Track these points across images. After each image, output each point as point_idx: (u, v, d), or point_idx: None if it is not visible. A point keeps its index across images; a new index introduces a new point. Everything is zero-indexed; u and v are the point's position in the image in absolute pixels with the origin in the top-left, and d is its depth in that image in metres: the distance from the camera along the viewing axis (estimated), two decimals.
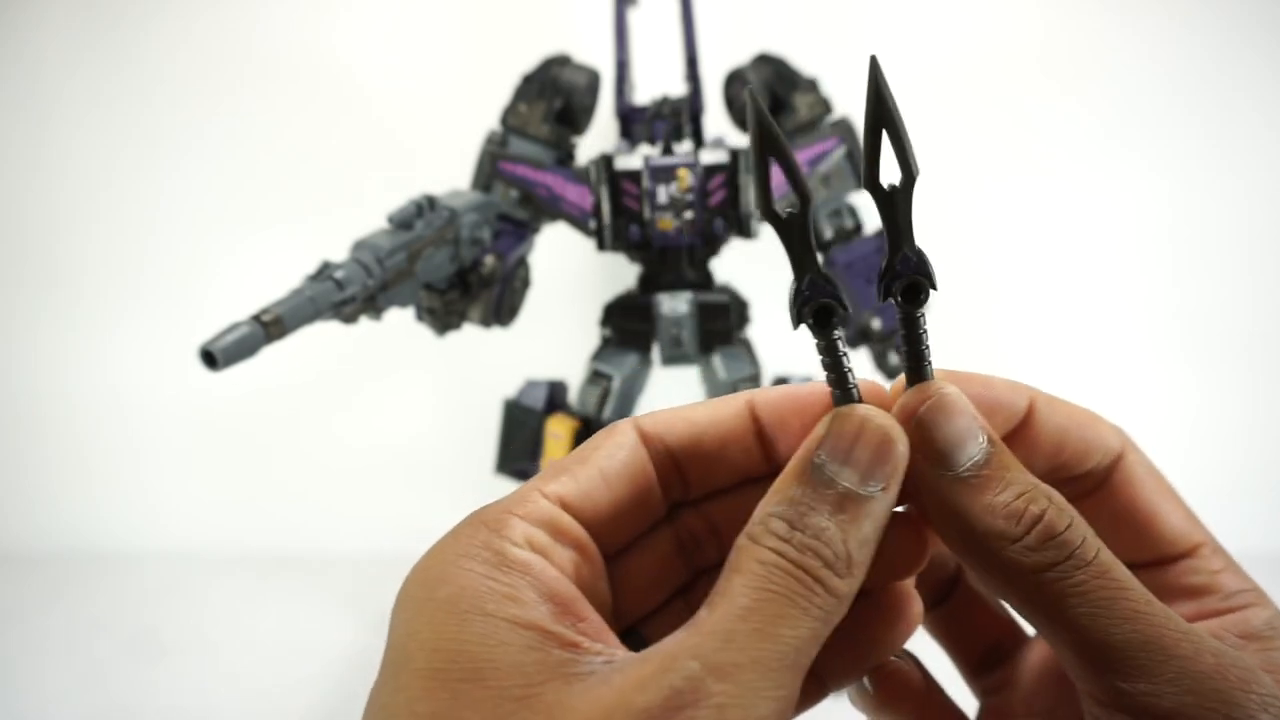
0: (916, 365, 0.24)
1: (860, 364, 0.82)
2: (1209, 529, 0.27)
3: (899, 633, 0.25)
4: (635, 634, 0.25)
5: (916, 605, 0.25)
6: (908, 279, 0.23)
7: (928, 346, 0.24)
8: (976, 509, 0.22)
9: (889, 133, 0.24)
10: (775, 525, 0.21)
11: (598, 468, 0.24)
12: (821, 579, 0.20)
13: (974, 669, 0.28)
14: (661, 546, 0.26)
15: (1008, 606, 0.24)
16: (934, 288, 0.23)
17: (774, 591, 0.20)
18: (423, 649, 0.19)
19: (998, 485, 0.22)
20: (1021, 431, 0.25)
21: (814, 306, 0.23)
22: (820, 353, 0.24)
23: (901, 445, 0.22)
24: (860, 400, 0.24)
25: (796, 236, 0.23)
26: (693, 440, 0.25)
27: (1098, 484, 0.26)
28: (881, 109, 0.24)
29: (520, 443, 0.83)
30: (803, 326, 0.23)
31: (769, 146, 0.23)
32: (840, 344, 0.23)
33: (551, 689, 0.18)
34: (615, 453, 0.24)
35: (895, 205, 0.24)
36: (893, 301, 0.24)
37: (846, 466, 0.22)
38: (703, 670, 0.19)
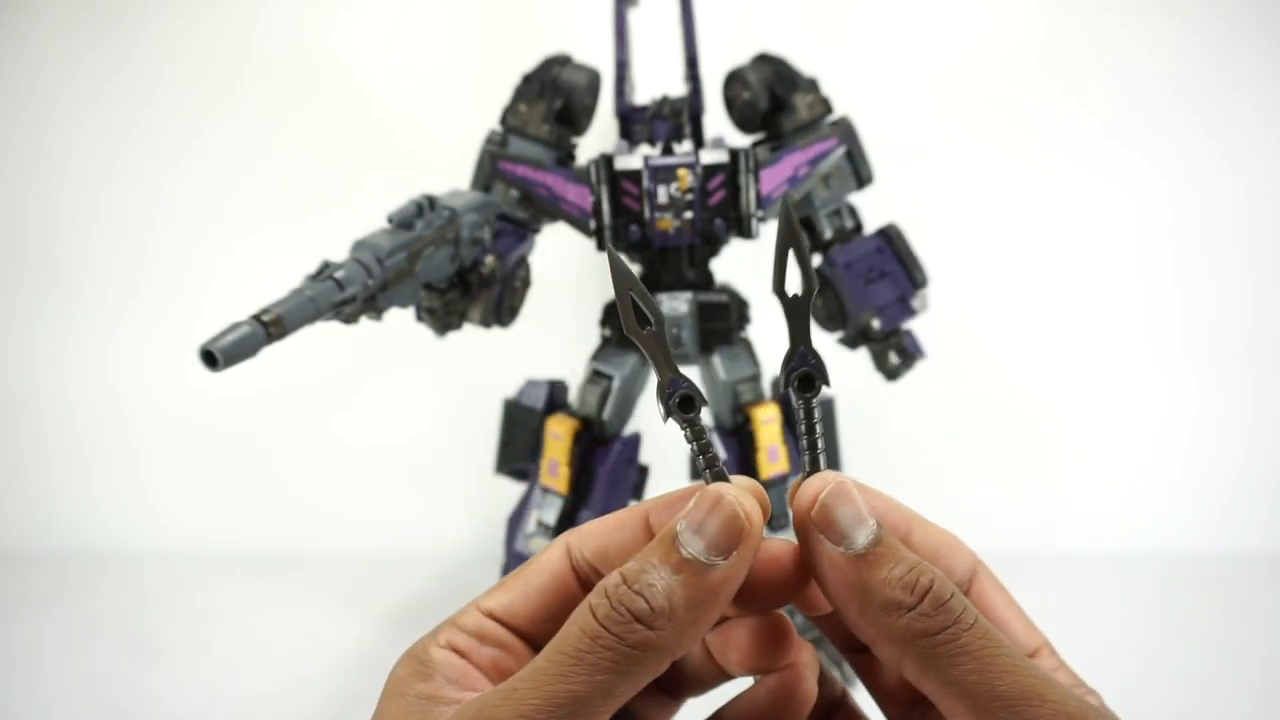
0: (813, 453, 0.28)
1: (860, 364, 0.82)
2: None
3: (792, 713, 0.29)
4: None
5: (809, 688, 0.29)
6: (802, 372, 0.28)
7: (820, 436, 0.28)
8: (875, 582, 0.25)
9: (795, 252, 0.28)
10: (611, 580, 0.25)
11: (525, 580, 0.29)
12: (624, 633, 0.23)
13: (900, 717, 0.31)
14: None
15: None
16: (827, 384, 0.28)
17: (568, 649, 0.24)
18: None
19: (890, 561, 0.25)
20: (908, 545, 0.28)
21: (678, 398, 0.27)
22: (687, 440, 0.28)
23: (750, 523, 0.25)
24: (727, 481, 0.26)
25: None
26: (602, 551, 0.29)
27: None
28: (790, 236, 0.28)
29: (520, 442, 0.83)
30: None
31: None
32: (705, 432, 0.28)
33: None
34: (543, 566, 0.29)
35: (796, 310, 0.28)
36: (790, 390, 0.28)
37: (696, 535, 0.25)
38: (475, 708, 0.23)
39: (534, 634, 0.28)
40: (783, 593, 0.28)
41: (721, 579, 0.24)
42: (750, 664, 0.29)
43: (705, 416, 0.28)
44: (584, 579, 0.29)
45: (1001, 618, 0.29)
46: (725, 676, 0.30)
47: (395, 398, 1.18)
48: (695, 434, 0.28)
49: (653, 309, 0.29)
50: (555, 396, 0.84)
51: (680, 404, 0.28)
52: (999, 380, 1.12)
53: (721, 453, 0.78)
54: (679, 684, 0.31)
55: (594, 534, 0.29)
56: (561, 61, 0.81)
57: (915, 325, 0.81)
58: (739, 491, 0.26)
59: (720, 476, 0.27)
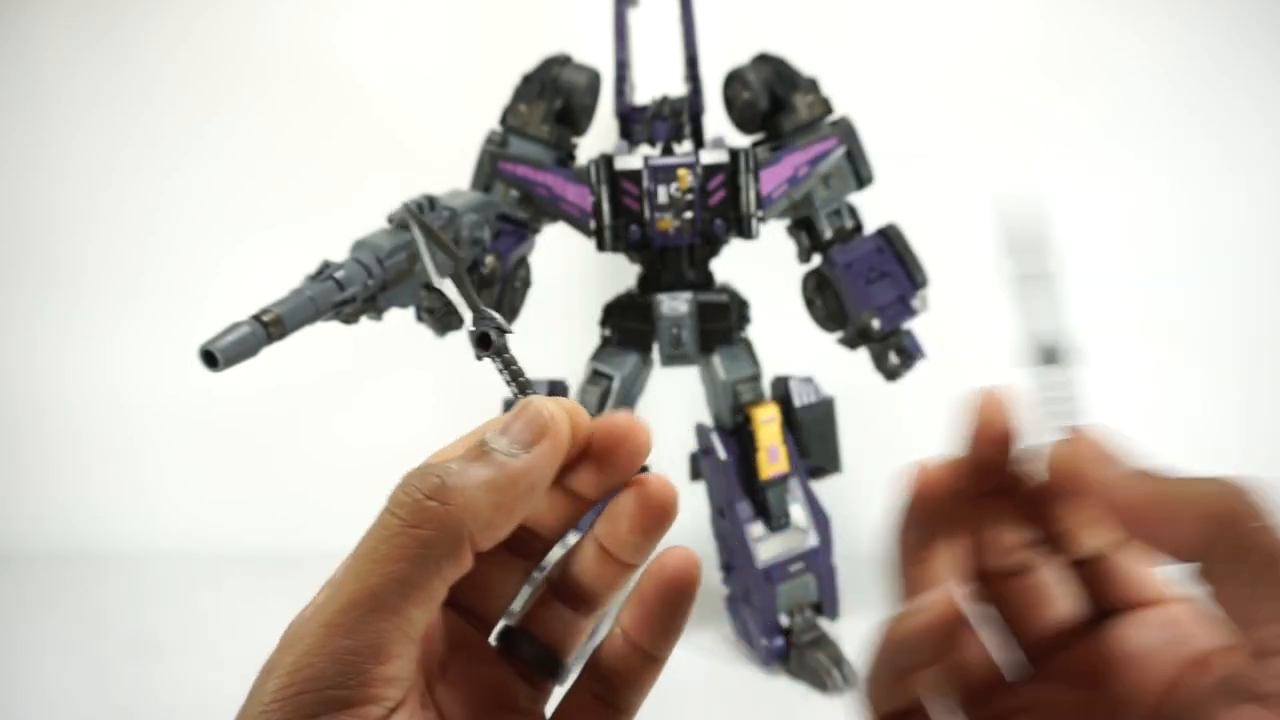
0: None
1: (860, 364, 0.82)
2: None
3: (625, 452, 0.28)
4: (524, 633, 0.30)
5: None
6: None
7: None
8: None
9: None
10: (411, 471, 0.25)
11: None
12: (413, 515, 0.23)
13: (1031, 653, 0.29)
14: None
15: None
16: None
17: (361, 550, 0.24)
18: None
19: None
20: None
21: (475, 336, 0.31)
22: (499, 372, 0.31)
23: (553, 421, 0.26)
24: (533, 394, 0.28)
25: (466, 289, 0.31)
26: None
27: None
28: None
29: None
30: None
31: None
32: (513, 360, 0.31)
33: None
34: None
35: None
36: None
37: (502, 435, 0.26)
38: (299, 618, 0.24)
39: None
40: (632, 454, 0.28)
41: (522, 467, 0.25)
42: (639, 525, 0.28)
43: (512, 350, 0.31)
44: None
45: None
46: (623, 571, 0.29)
47: (395, 398, 1.18)
48: (505, 363, 0.31)
49: (450, 251, 0.31)
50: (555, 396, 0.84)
51: (479, 341, 0.31)
52: (998, 381, 1.12)
53: (721, 452, 0.78)
54: (577, 595, 0.30)
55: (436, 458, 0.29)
56: (561, 61, 0.81)
57: (915, 325, 0.81)
58: (546, 399, 0.27)
59: (525, 393, 0.30)
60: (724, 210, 0.76)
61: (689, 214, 0.75)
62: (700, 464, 0.85)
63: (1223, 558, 0.22)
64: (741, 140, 0.80)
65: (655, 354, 0.81)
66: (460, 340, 0.78)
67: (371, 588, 0.23)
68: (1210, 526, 0.22)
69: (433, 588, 0.24)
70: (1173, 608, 0.27)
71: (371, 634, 0.23)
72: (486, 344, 0.31)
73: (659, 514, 0.28)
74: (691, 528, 1.02)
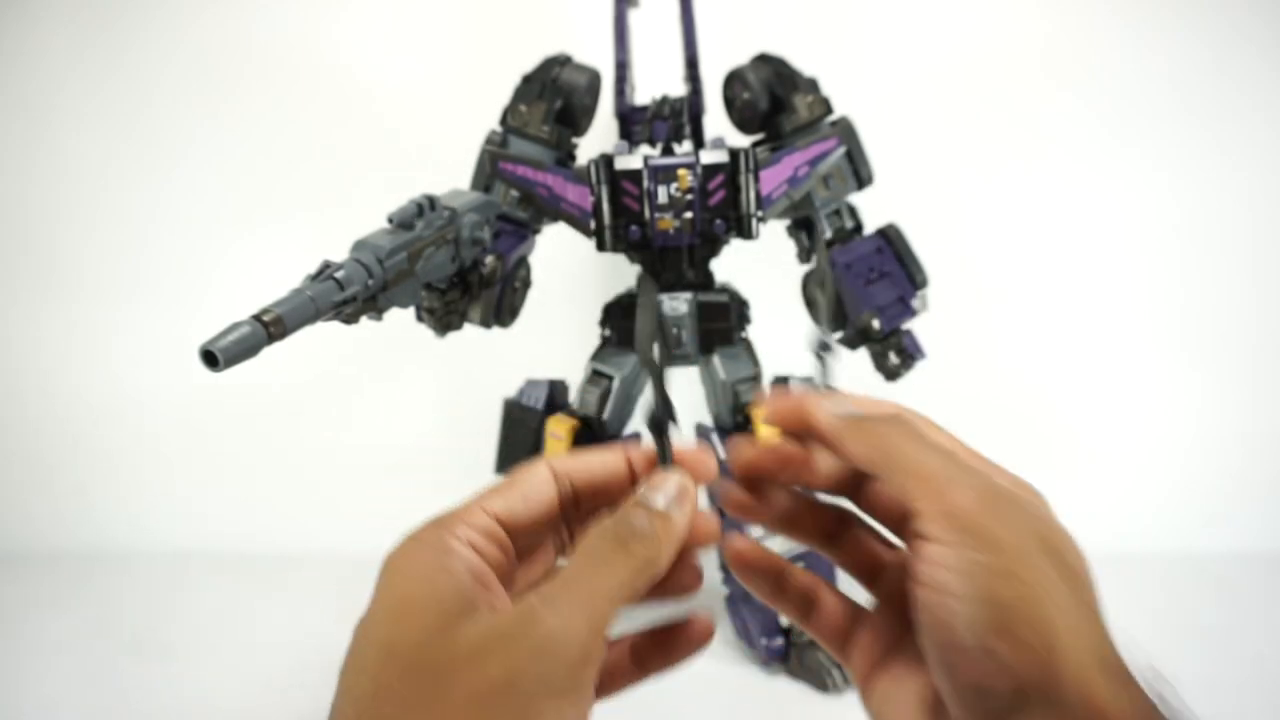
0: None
1: (860, 364, 0.82)
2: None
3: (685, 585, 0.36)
4: None
5: (692, 576, 0.36)
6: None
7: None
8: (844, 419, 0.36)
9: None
10: (603, 516, 0.32)
11: (522, 493, 0.35)
12: (627, 543, 0.31)
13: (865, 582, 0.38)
14: (552, 545, 0.37)
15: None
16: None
17: (592, 552, 0.31)
18: (385, 594, 0.31)
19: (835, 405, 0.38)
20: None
21: (650, 421, 0.37)
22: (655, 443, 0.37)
23: (690, 490, 0.34)
24: (671, 462, 0.36)
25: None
26: (594, 482, 0.36)
27: None
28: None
29: (520, 442, 0.83)
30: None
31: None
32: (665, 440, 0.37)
33: (457, 622, 0.29)
34: (537, 484, 0.35)
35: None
36: None
37: (658, 493, 0.33)
38: (538, 601, 0.29)
39: (521, 541, 0.34)
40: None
41: (680, 522, 0.33)
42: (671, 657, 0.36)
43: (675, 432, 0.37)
44: (564, 500, 0.36)
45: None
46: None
47: (395, 398, 1.18)
48: (660, 444, 0.37)
49: (669, 411, 0.38)
50: (555, 396, 0.84)
51: (653, 425, 0.37)
52: (999, 381, 1.12)
53: (721, 452, 0.78)
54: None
55: (582, 467, 0.36)
56: (561, 62, 0.81)
57: (915, 325, 0.81)
58: (680, 471, 0.35)
59: (664, 461, 0.37)
60: (724, 210, 0.76)
61: (689, 214, 0.75)
62: None
63: (884, 467, 0.32)
64: (741, 140, 0.80)
65: (655, 354, 0.81)
66: (460, 341, 0.79)
67: (611, 588, 0.30)
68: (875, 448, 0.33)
69: (637, 598, 0.31)
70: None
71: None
72: (659, 429, 0.37)
73: (690, 649, 0.36)
74: None
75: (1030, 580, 0.28)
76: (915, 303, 0.79)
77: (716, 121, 0.81)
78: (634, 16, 0.83)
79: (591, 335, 0.85)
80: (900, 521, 0.36)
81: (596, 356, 0.83)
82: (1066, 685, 0.27)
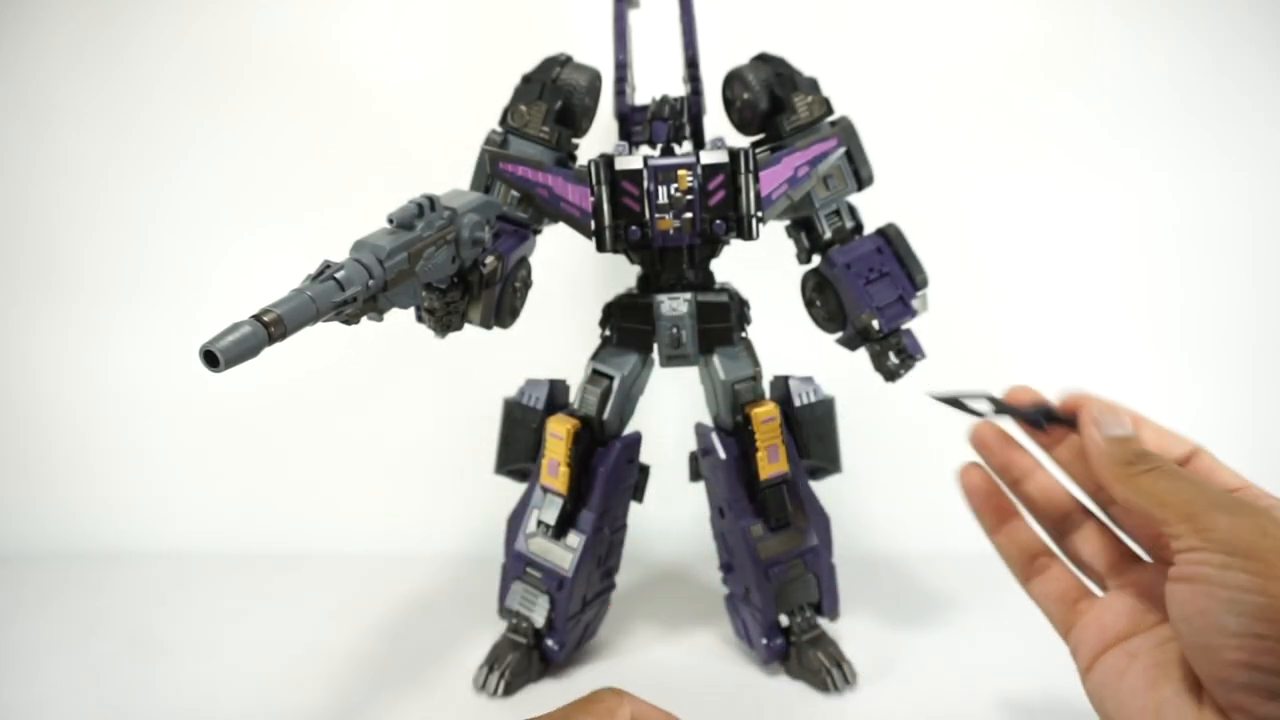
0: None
1: (860, 364, 0.82)
2: None
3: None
4: None
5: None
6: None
7: None
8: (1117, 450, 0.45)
9: None
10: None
11: None
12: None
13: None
14: None
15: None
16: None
17: None
18: None
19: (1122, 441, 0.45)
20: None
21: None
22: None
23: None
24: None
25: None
26: None
27: None
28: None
29: (520, 442, 0.83)
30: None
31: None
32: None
33: None
34: None
35: None
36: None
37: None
38: None
39: None
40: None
41: None
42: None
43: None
44: None
45: (1208, 468, 0.45)
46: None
47: (395, 398, 1.18)
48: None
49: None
50: (555, 396, 0.84)
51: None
52: (999, 381, 1.12)
53: (721, 452, 0.78)
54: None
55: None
56: (562, 62, 0.81)
57: (915, 325, 0.81)
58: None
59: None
60: (724, 211, 0.76)
61: (689, 214, 0.75)
62: (700, 464, 0.85)
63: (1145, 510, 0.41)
64: (741, 141, 0.80)
65: (655, 354, 0.82)
66: (460, 341, 0.79)
67: None
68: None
69: None
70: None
71: None
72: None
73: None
74: (691, 528, 1.02)
75: None
76: (915, 303, 0.79)
77: (716, 122, 0.81)
78: (634, 16, 0.83)
79: (591, 335, 0.85)
80: (1144, 537, 0.46)
81: (596, 356, 0.83)
82: None
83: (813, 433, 0.82)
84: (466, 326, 0.75)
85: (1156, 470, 0.41)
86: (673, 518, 1.04)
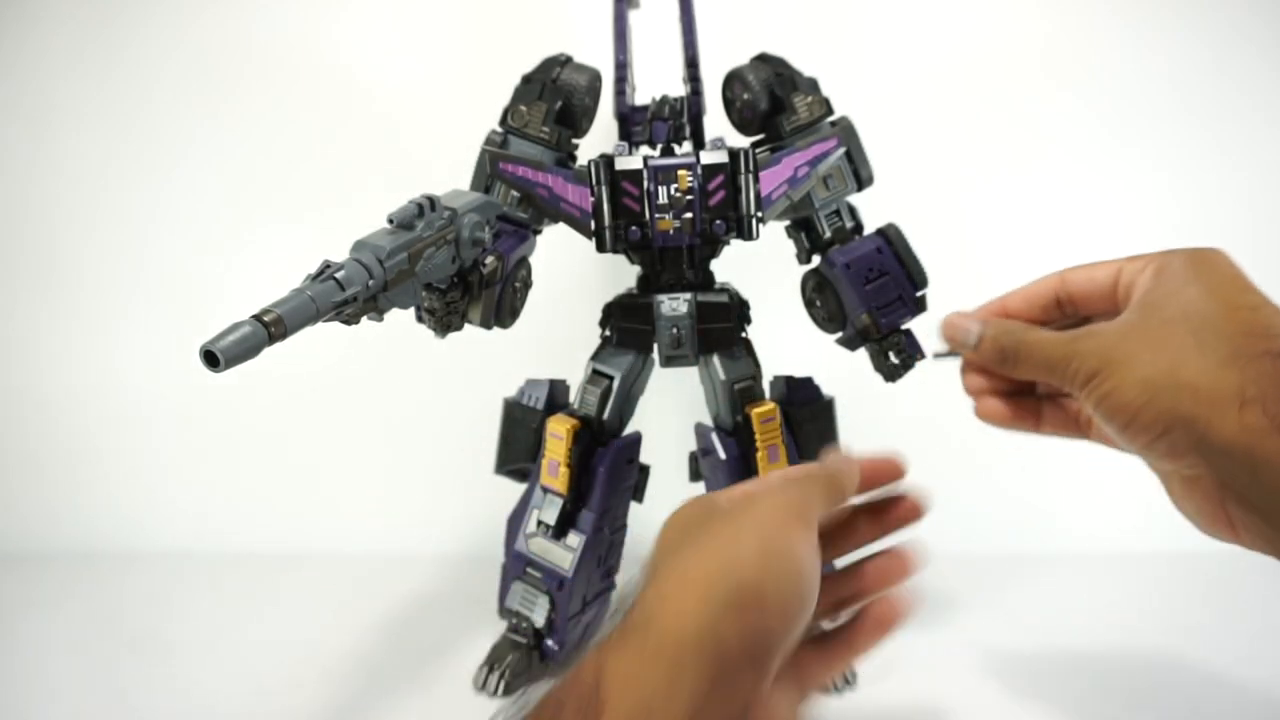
0: None
1: (860, 364, 0.82)
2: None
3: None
4: None
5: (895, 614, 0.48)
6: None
7: None
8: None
9: None
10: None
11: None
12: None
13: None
14: None
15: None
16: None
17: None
18: None
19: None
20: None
21: None
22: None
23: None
24: None
25: None
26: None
27: None
28: None
29: (520, 442, 0.83)
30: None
31: None
32: None
33: None
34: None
35: None
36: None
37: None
38: None
39: None
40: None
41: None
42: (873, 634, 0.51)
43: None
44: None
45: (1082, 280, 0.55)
46: None
47: (395, 398, 1.18)
48: None
49: None
50: (555, 396, 0.84)
51: None
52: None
53: (721, 452, 0.78)
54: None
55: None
56: (562, 62, 0.81)
57: (915, 325, 0.81)
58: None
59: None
60: (724, 211, 0.76)
61: (689, 214, 0.75)
62: (700, 464, 0.85)
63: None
64: (741, 141, 0.80)
65: (655, 354, 0.82)
66: (460, 341, 0.79)
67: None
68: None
69: None
70: None
71: None
72: None
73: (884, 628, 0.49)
74: None
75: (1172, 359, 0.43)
76: (915, 303, 0.79)
77: (716, 122, 0.81)
78: (634, 16, 0.83)
79: (591, 335, 0.85)
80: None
81: (596, 356, 0.83)
82: (1212, 428, 0.41)
83: (813, 433, 0.82)
84: (466, 326, 0.75)
85: (1019, 352, 0.50)
86: None
